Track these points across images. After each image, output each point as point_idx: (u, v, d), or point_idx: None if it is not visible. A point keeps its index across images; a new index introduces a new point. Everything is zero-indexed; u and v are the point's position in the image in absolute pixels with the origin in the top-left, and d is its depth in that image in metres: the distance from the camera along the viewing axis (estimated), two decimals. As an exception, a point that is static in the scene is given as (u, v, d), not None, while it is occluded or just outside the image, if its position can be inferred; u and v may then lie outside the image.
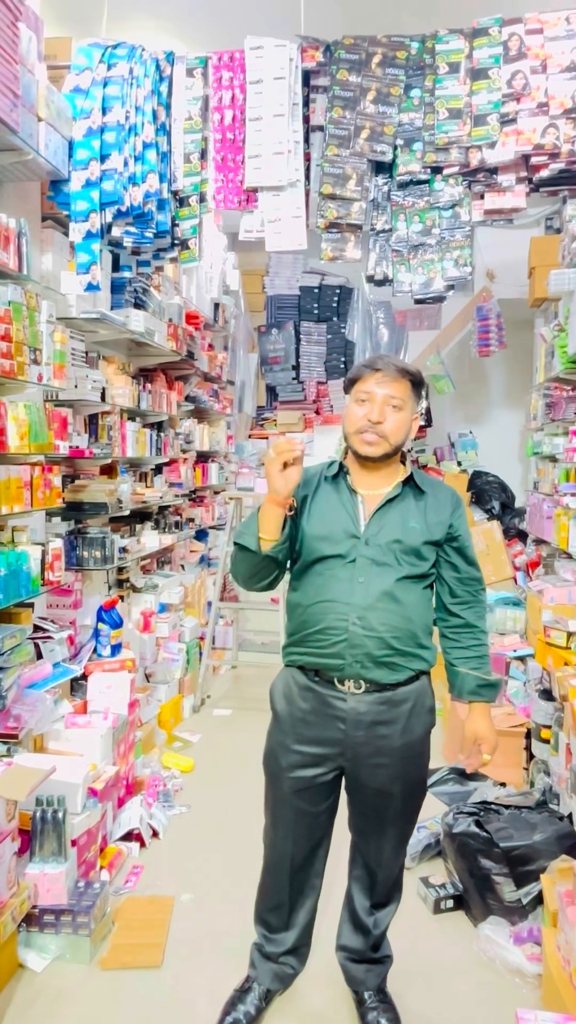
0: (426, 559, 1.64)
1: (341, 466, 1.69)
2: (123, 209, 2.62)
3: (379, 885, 1.79)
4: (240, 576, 1.67)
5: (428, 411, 5.92)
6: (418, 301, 2.97)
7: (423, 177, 2.78)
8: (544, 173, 2.68)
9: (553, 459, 4.33)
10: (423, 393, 1.68)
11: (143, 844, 2.63)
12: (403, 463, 1.71)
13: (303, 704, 1.66)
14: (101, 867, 2.37)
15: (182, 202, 2.87)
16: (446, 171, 2.75)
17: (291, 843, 1.74)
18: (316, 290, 6.05)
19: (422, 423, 5.91)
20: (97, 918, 2.08)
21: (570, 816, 2.25)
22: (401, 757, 1.64)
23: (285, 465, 1.51)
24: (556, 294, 3.99)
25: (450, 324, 5.82)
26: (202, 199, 2.86)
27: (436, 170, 2.77)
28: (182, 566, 4.58)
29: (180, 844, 2.68)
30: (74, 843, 2.17)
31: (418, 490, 1.67)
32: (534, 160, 2.67)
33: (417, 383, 1.64)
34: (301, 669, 1.67)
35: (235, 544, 1.62)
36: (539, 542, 4.69)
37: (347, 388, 1.68)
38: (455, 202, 2.79)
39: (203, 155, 2.84)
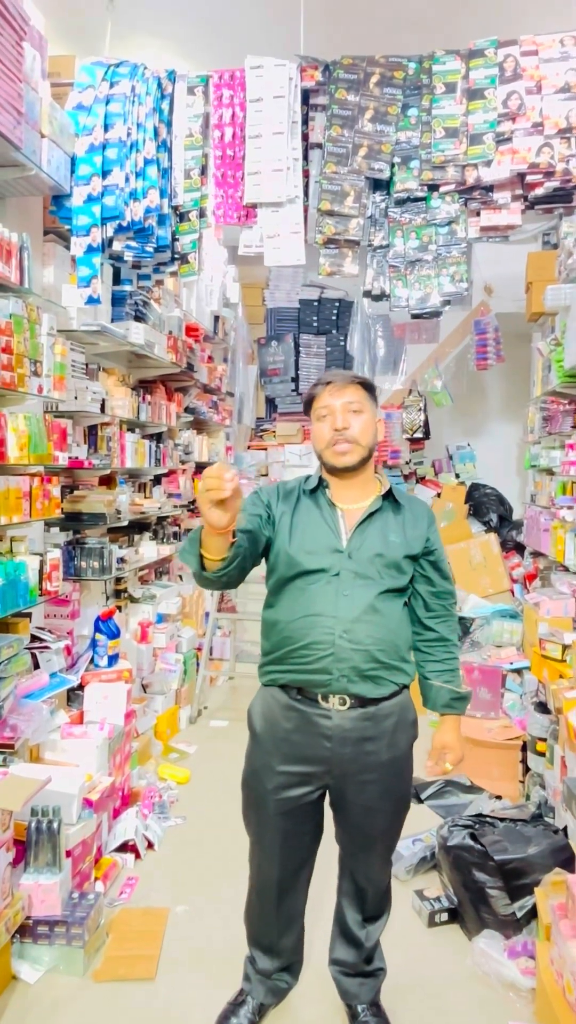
0: (405, 573, 1.65)
1: (320, 480, 1.69)
2: (124, 224, 2.65)
3: (369, 899, 1.79)
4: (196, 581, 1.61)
5: (426, 423, 5.95)
6: (415, 316, 3.00)
7: (420, 194, 2.82)
8: (539, 191, 2.72)
9: (550, 472, 4.35)
10: (377, 398, 1.71)
11: (138, 855, 2.62)
12: (377, 474, 1.73)
13: (286, 724, 1.64)
14: (96, 878, 2.36)
15: (182, 217, 2.91)
16: (443, 189, 2.79)
17: (277, 867, 1.73)
18: (315, 303, 6.10)
19: (420, 435, 5.97)
20: (91, 929, 2.08)
21: (564, 829, 2.25)
22: (388, 772, 1.64)
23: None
24: (553, 309, 4.04)
25: (448, 337, 5.86)
26: (202, 214, 2.89)
27: (433, 188, 2.81)
28: (180, 577, 4.59)
29: (175, 856, 2.67)
30: (69, 854, 2.17)
31: (396, 504, 1.69)
32: (529, 178, 2.71)
33: (370, 387, 1.68)
34: (282, 688, 1.65)
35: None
36: (536, 554, 4.71)
37: (306, 411, 1.71)
38: (452, 219, 2.83)
39: (203, 171, 2.88)
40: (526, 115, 2.65)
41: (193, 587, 4.59)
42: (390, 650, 1.60)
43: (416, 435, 5.93)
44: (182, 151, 2.85)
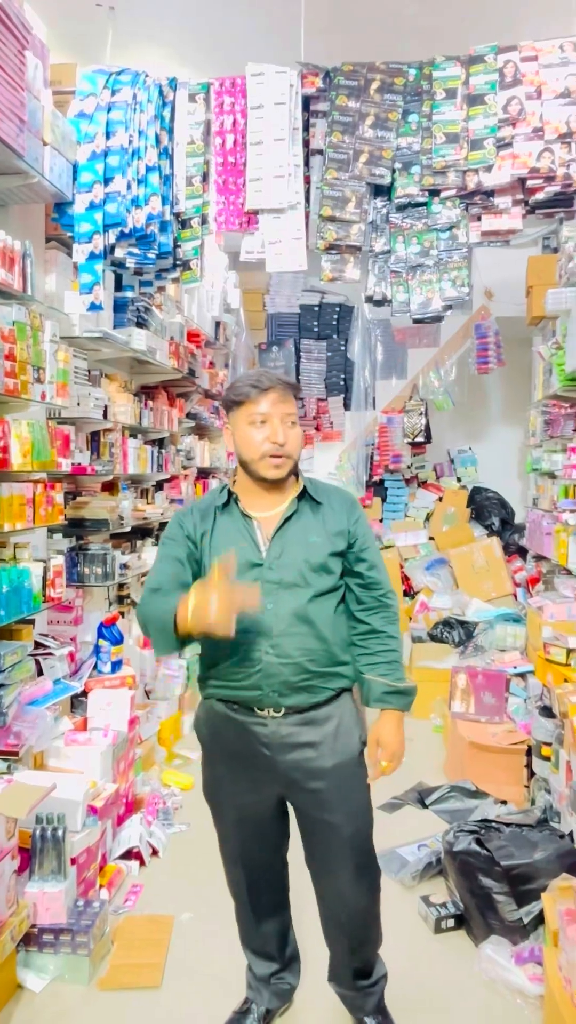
0: (334, 572, 1.61)
1: (230, 494, 1.63)
2: (126, 231, 2.66)
3: (345, 923, 1.71)
4: (156, 651, 1.61)
5: (427, 427, 5.95)
6: (416, 321, 3.01)
7: (421, 200, 2.83)
8: (540, 196, 2.73)
9: (552, 476, 4.35)
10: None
11: (143, 863, 2.62)
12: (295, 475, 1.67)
13: (227, 733, 1.63)
14: (100, 886, 2.36)
15: (184, 224, 2.91)
16: (443, 194, 2.80)
17: (242, 870, 1.74)
18: (316, 308, 6.11)
19: (421, 440, 5.97)
20: (96, 937, 2.07)
21: (571, 834, 2.24)
22: (336, 779, 1.60)
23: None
24: (553, 312, 4.04)
25: (449, 342, 5.87)
26: (204, 221, 2.90)
27: (434, 193, 2.82)
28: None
29: (180, 862, 2.67)
30: (74, 861, 2.16)
31: (314, 501, 1.63)
32: (530, 183, 2.71)
33: (299, 394, 1.63)
34: (221, 701, 1.63)
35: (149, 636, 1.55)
36: (539, 558, 4.70)
37: (229, 407, 1.61)
38: (452, 224, 2.83)
39: (205, 178, 2.89)
40: (526, 120, 2.66)
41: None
42: (322, 658, 1.58)
43: (417, 439, 5.93)
44: (183, 158, 2.86)
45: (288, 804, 1.70)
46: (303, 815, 1.66)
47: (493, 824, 2.35)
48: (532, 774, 2.95)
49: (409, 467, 6.17)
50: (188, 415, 4.59)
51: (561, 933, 1.80)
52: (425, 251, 2.87)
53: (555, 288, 3.92)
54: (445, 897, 2.35)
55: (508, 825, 2.33)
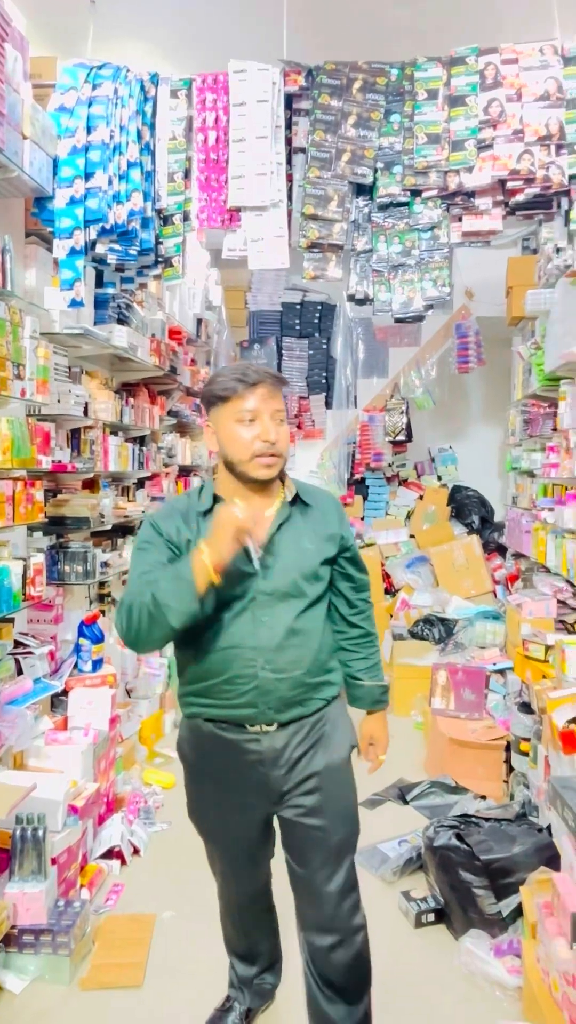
0: (323, 579, 1.54)
1: (215, 497, 1.50)
2: (107, 227, 2.64)
3: (336, 964, 1.57)
4: (150, 642, 1.44)
5: (409, 426, 5.98)
6: (398, 320, 3.02)
7: (403, 200, 2.84)
8: (520, 197, 2.75)
9: (531, 474, 4.40)
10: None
11: (124, 862, 2.61)
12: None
13: (215, 753, 1.54)
14: (81, 885, 2.34)
15: (166, 220, 2.90)
16: (425, 194, 2.81)
17: (232, 888, 1.74)
18: (298, 306, 6.11)
19: (402, 438, 6.01)
20: (77, 937, 2.06)
21: (548, 828, 2.27)
22: (327, 780, 1.54)
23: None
24: (533, 313, 4.08)
25: (430, 341, 5.90)
26: (186, 218, 2.89)
27: (415, 193, 2.83)
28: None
29: (161, 861, 2.66)
30: (54, 861, 2.15)
31: (303, 504, 1.54)
32: (510, 185, 2.74)
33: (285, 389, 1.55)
34: (208, 720, 1.53)
35: (154, 610, 1.37)
36: (518, 556, 4.75)
37: (212, 403, 1.47)
38: (434, 224, 2.85)
39: (187, 175, 2.87)
40: (507, 122, 2.68)
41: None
42: (314, 668, 1.51)
43: (398, 438, 5.96)
44: (165, 154, 2.85)
45: (275, 818, 1.62)
46: (292, 825, 1.57)
47: (473, 819, 2.37)
48: (511, 769, 2.99)
49: (390, 465, 6.20)
50: (169, 412, 4.57)
51: (539, 925, 1.83)
52: (407, 251, 2.88)
53: (534, 289, 3.96)
54: (425, 892, 2.37)
55: (487, 820, 2.36)
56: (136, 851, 2.68)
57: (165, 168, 2.85)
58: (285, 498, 1.53)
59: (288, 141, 2.89)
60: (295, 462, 6.00)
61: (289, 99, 2.86)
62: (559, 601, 3.37)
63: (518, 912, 2.09)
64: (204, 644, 1.47)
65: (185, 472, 5.14)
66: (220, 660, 1.46)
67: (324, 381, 6.09)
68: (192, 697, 1.54)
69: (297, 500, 1.54)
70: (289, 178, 2.91)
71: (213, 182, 2.87)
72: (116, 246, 2.77)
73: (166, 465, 4.49)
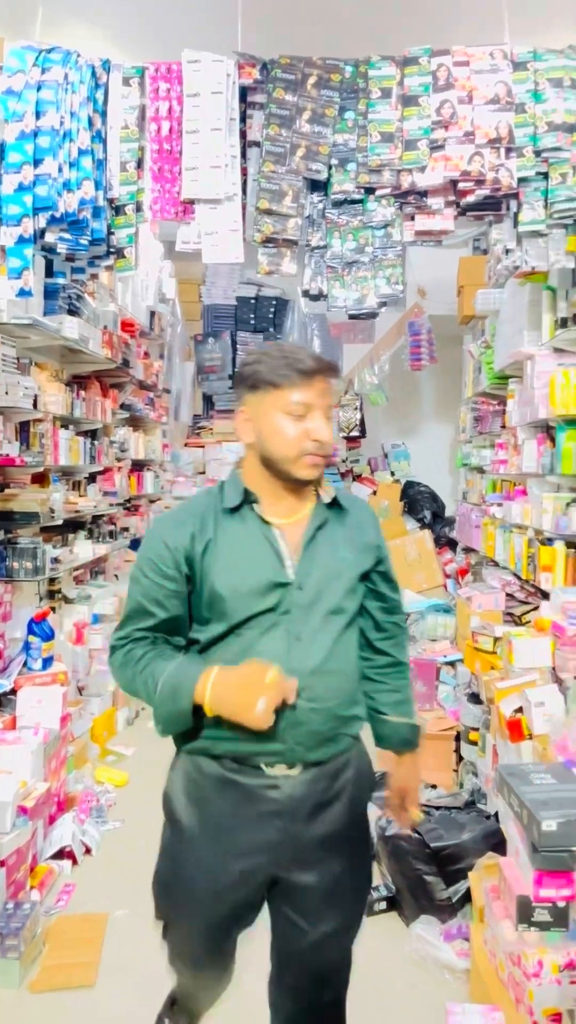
0: (359, 595, 1.35)
1: (247, 493, 1.29)
2: (57, 215, 2.58)
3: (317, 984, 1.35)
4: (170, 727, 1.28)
5: (362, 422, 6.05)
6: (352, 316, 3.05)
7: (357, 197, 2.86)
8: (471, 199, 2.80)
9: (481, 470, 4.50)
10: None
11: (75, 862, 2.57)
12: None
13: (222, 804, 1.26)
14: (31, 887, 2.30)
15: (118, 210, 2.85)
16: (378, 192, 2.84)
17: (205, 979, 1.44)
18: (253, 301, 6.09)
19: (356, 434, 6.07)
20: (27, 940, 2.03)
21: (496, 815, 2.34)
22: (350, 836, 1.33)
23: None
24: (483, 312, 4.17)
25: (383, 338, 5.97)
26: (138, 208, 2.84)
27: (369, 191, 2.85)
28: (116, 576, 4.51)
29: (114, 860, 2.63)
30: (3, 863, 2.11)
31: (340, 509, 1.36)
32: (461, 185, 2.78)
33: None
34: (213, 758, 1.27)
35: (147, 703, 1.25)
36: (468, 550, 4.86)
37: (256, 387, 1.26)
38: (387, 222, 2.87)
39: (140, 164, 2.83)
40: (458, 124, 2.72)
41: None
42: (349, 700, 1.31)
43: (352, 433, 6.02)
44: (118, 143, 2.79)
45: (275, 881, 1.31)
46: (304, 890, 1.29)
47: (424, 808, 2.42)
48: (460, 759, 3.07)
49: (344, 461, 6.25)
50: (122, 406, 4.50)
51: (487, 909, 1.88)
52: (360, 248, 2.90)
53: (484, 289, 4.04)
54: (378, 880, 2.41)
55: (438, 808, 2.41)
56: (88, 850, 2.65)
57: (117, 157, 2.79)
58: (322, 500, 1.34)
59: (242, 134, 2.87)
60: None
61: (243, 92, 2.85)
62: (507, 594, 3.46)
63: (467, 897, 2.15)
64: (223, 661, 1.24)
65: (138, 467, 5.07)
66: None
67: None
68: (196, 728, 1.25)
69: (334, 504, 1.36)
70: (243, 171, 2.89)
71: (167, 173, 2.83)
72: (66, 235, 2.71)
73: (118, 459, 4.42)
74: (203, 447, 6.17)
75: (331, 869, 1.29)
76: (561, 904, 1.53)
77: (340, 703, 1.29)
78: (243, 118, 2.88)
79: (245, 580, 1.24)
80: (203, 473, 6.05)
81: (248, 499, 1.29)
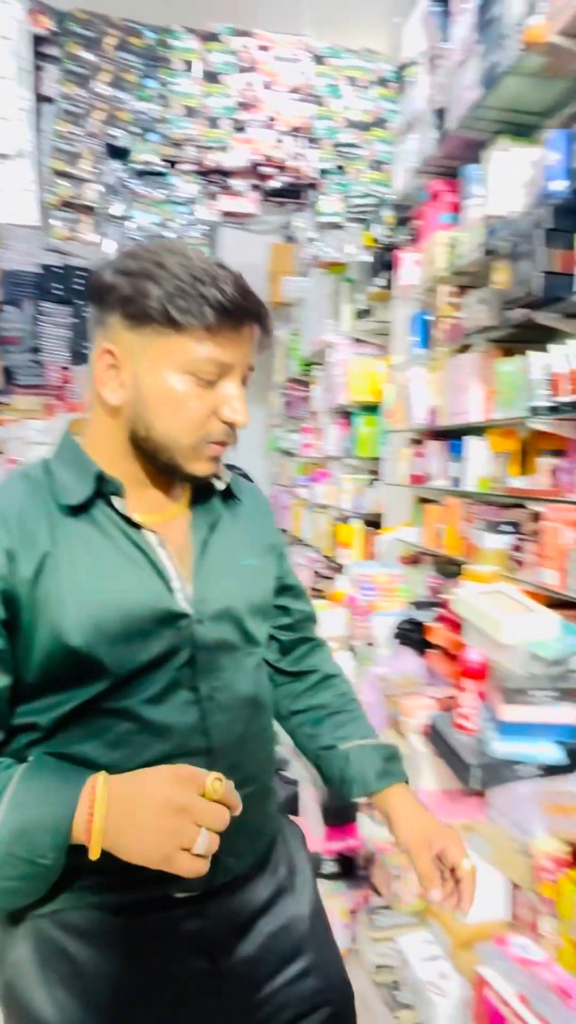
0: (271, 616, 0.99)
1: (101, 480, 0.80)
2: None
3: None
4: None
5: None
6: (158, 293, 2.98)
7: (159, 169, 2.80)
8: (274, 183, 2.86)
9: (290, 454, 4.67)
10: None
11: None
12: None
13: (109, 967, 0.79)
14: None
15: None
16: (181, 167, 2.80)
17: None
18: (60, 271, 5.74)
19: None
20: None
21: (296, 781, 2.46)
22: (313, 941, 0.92)
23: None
24: (291, 300, 4.30)
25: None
26: None
27: (172, 164, 2.80)
28: None
29: None
30: None
31: (233, 499, 0.95)
32: (264, 170, 2.83)
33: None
34: (97, 909, 0.79)
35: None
36: (280, 531, 5.03)
37: (140, 320, 0.77)
38: (192, 199, 2.85)
39: None
40: (260, 108, 2.76)
41: None
42: (270, 760, 0.94)
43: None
44: None
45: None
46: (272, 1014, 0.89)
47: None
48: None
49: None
50: None
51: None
52: (164, 223, 2.84)
53: (292, 276, 4.17)
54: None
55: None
56: None
57: None
58: (215, 488, 0.91)
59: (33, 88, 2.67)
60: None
61: (36, 42, 2.64)
62: (315, 572, 3.64)
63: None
64: (93, 760, 0.76)
65: None
66: None
67: (89, 353, 5.82)
68: (66, 878, 0.73)
69: (227, 492, 0.94)
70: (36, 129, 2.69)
71: (-54, 118, 2.55)
72: None
73: None
74: (2, 424, 5.73)
75: (297, 980, 0.89)
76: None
77: (264, 771, 0.91)
78: (35, 71, 2.68)
79: (114, 615, 0.77)
80: (2, 453, 5.62)
81: (105, 489, 0.80)
